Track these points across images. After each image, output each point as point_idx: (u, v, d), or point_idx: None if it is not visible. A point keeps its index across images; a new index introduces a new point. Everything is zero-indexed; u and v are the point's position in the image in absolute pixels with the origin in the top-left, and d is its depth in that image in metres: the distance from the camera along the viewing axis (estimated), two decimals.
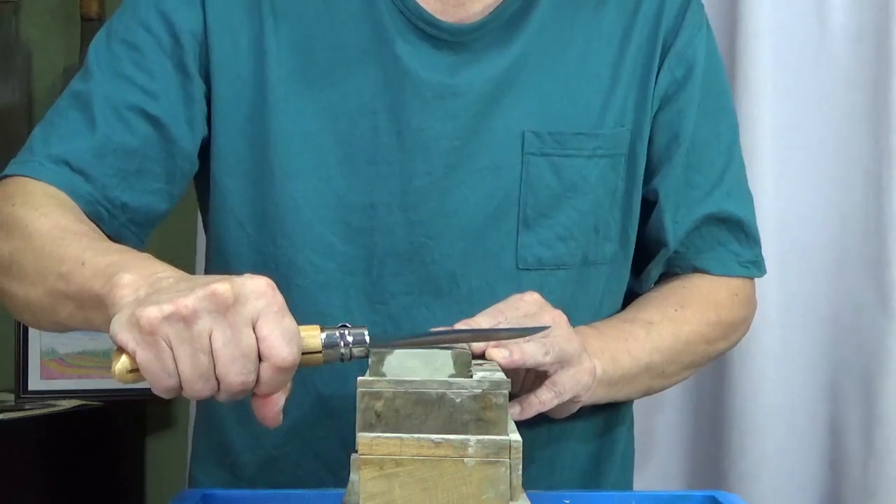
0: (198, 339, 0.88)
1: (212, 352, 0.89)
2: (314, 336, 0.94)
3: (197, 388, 0.89)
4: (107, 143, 1.18)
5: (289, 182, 1.22)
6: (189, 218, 2.06)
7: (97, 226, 1.16)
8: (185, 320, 0.88)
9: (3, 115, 2.28)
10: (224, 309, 0.88)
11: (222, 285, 0.89)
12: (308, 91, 1.22)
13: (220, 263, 1.27)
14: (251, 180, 1.23)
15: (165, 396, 0.91)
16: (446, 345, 0.96)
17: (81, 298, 1.00)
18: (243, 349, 0.89)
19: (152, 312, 0.88)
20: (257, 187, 1.23)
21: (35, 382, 2.24)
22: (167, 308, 0.88)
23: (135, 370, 0.90)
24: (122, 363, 0.90)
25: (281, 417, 0.93)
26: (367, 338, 0.95)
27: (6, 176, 1.19)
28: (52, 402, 2.20)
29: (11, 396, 2.24)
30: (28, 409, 2.16)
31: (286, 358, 0.90)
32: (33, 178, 1.16)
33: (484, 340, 1.05)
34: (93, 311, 0.99)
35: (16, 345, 2.23)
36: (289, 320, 0.91)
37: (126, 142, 1.19)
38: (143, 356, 0.89)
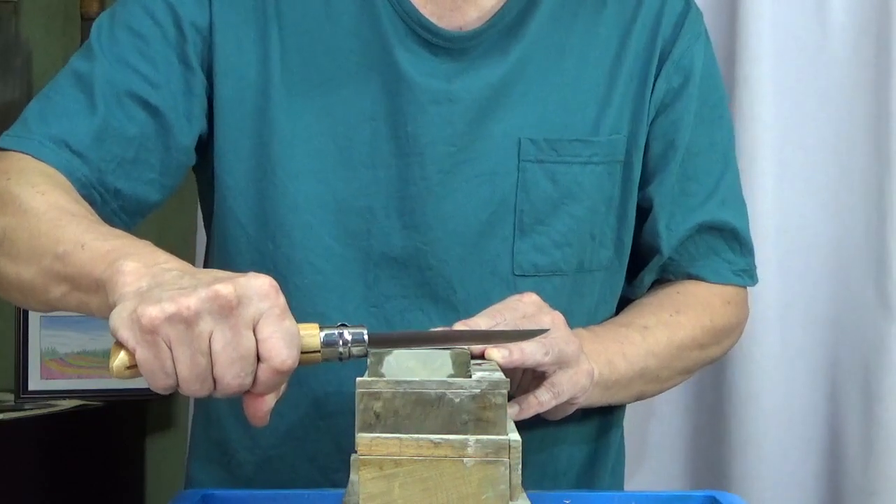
0: (197, 341, 0.88)
1: (210, 353, 0.89)
2: (313, 335, 0.94)
3: (194, 387, 0.89)
4: (106, 128, 1.18)
5: (289, 183, 1.22)
6: (189, 216, 2.07)
7: None
8: (187, 322, 0.88)
9: (2, 114, 2.28)
10: (227, 311, 0.88)
11: (225, 286, 0.88)
12: (308, 94, 1.23)
13: (219, 262, 1.27)
14: (252, 180, 1.23)
15: (162, 393, 0.91)
16: (445, 345, 0.96)
17: (78, 281, 1.00)
18: (242, 352, 0.89)
19: (154, 312, 0.87)
20: (258, 187, 1.23)
21: (35, 382, 2.24)
22: (169, 308, 0.87)
23: (133, 367, 0.90)
24: (120, 359, 0.90)
25: (268, 418, 0.93)
26: (366, 337, 0.95)
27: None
28: (52, 402, 2.21)
29: (11, 396, 2.25)
30: (28, 409, 2.16)
31: (285, 361, 0.90)
32: (29, 156, 1.15)
33: (485, 342, 1.05)
34: (90, 294, 0.98)
35: (16, 345, 2.24)
36: (290, 322, 0.91)
37: (125, 129, 1.19)
38: (142, 355, 0.89)
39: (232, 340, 0.88)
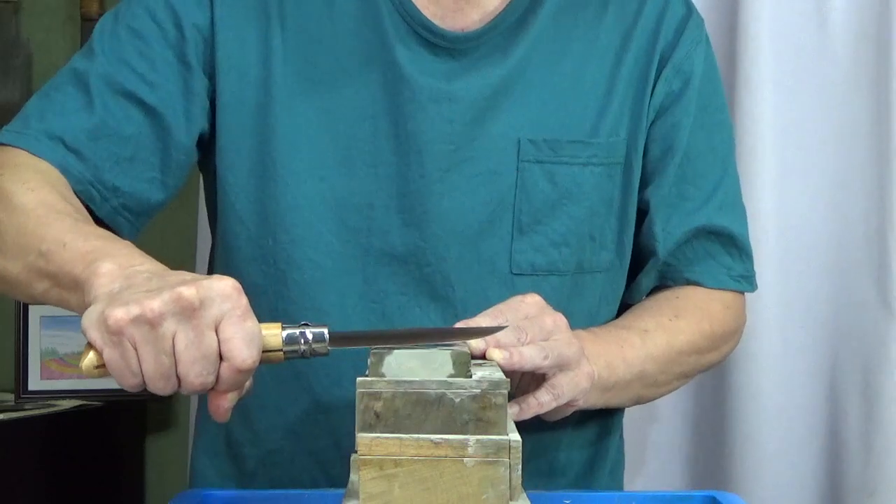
0: (161, 341, 0.91)
1: (175, 353, 0.92)
2: (275, 335, 0.96)
3: (159, 386, 0.93)
4: (102, 126, 1.20)
5: (290, 180, 1.23)
6: (190, 216, 2.07)
7: (89, 207, 1.18)
8: (151, 323, 0.91)
9: (2, 114, 2.28)
10: (189, 313, 0.91)
11: (188, 289, 0.91)
12: (310, 93, 1.23)
13: (222, 259, 1.29)
14: (253, 177, 1.24)
15: (131, 391, 0.94)
16: (409, 343, 0.97)
17: (59, 278, 1.03)
18: (204, 351, 0.92)
19: (119, 314, 0.91)
20: (259, 184, 1.24)
21: (35, 382, 2.24)
22: (134, 310, 0.91)
23: (101, 366, 0.94)
24: (89, 359, 0.94)
25: (229, 415, 0.96)
26: (327, 336, 0.97)
27: None
28: (52, 402, 2.20)
29: (11, 396, 2.24)
30: (28, 409, 2.16)
31: (246, 360, 0.93)
32: (25, 151, 1.17)
33: (448, 339, 1.02)
34: (69, 292, 1.02)
35: (16, 345, 2.24)
36: (251, 323, 0.93)
37: (121, 127, 1.20)
38: (109, 355, 0.92)
39: (194, 341, 0.92)
